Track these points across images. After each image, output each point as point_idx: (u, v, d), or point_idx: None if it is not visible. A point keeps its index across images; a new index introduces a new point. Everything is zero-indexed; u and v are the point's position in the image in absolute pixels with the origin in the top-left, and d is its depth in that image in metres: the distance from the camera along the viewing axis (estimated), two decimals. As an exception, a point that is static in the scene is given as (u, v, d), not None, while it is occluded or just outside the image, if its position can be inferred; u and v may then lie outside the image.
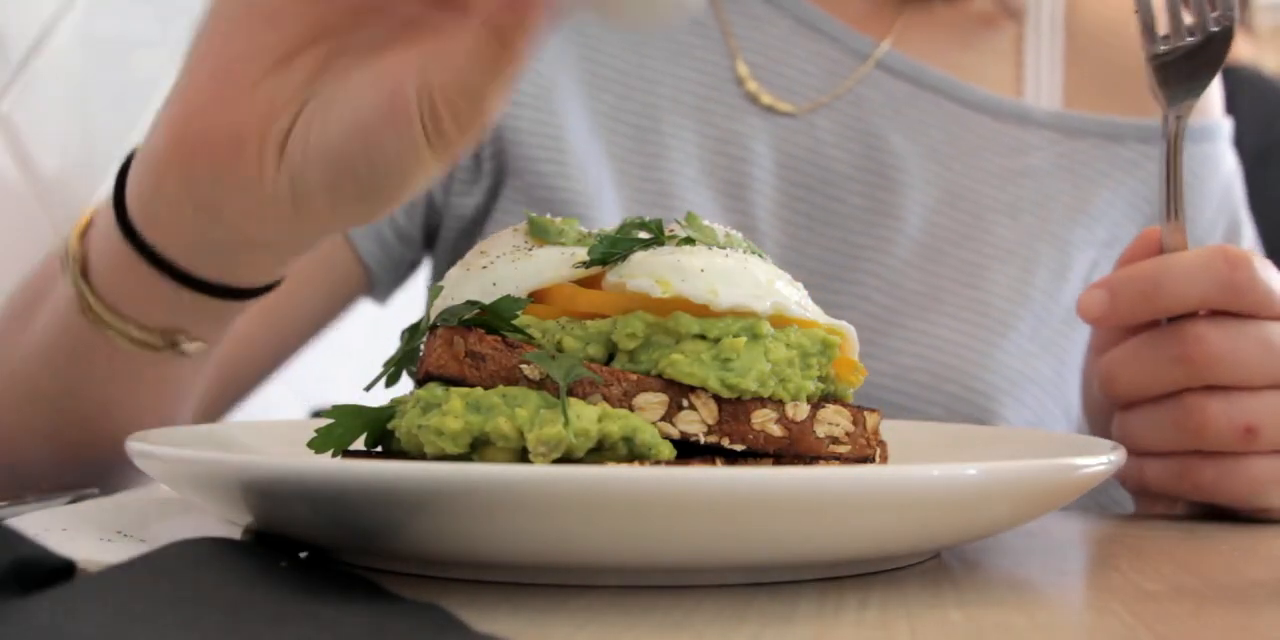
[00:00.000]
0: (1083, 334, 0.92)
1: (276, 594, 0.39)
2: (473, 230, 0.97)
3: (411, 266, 1.00)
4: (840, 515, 0.44)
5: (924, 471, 0.45)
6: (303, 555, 0.47)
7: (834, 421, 0.53)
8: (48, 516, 0.54)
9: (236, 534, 0.49)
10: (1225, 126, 1.04)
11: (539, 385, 0.50)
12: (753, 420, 0.52)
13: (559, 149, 0.93)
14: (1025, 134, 1.00)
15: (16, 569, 0.39)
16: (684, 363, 0.51)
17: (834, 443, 0.53)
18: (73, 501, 0.60)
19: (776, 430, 0.52)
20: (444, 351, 0.51)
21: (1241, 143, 1.08)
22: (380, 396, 0.56)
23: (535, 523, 0.43)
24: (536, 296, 0.54)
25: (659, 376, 0.51)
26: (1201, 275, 0.66)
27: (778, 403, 0.52)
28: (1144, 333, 0.68)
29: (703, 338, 0.52)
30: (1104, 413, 0.76)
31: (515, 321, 0.52)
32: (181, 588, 0.38)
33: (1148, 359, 0.67)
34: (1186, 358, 0.65)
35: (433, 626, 0.37)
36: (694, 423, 0.51)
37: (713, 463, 0.52)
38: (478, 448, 0.49)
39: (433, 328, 0.53)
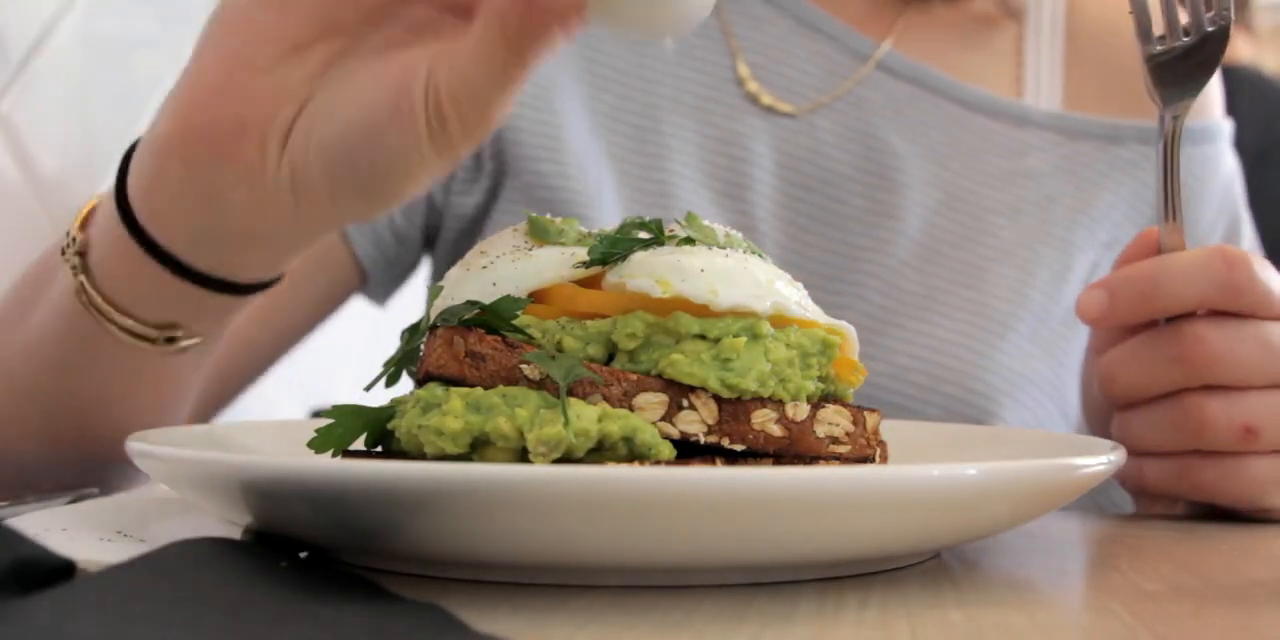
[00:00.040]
0: (1082, 336, 0.92)
1: (276, 594, 0.39)
2: (472, 230, 0.97)
3: (409, 268, 1.00)
4: (840, 515, 0.44)
5: (924, 471, 0.45)
6: (303, 555, 0.47)
7: (834, 421, 0.53)
8: (48, 516, 0.54)
9: (236, 534, 0.49)
10: (1225, 128, 1.04)
11: (539, 385, 0.50)
12: (753, 420, 0.52)
13: (559, 149, 0.93)
14: (1025, 135, 0.99)
15: (16, 569, 0.39)
16: (684, 363, 0.51)
17: (834, 443, 0.53)
18: (73, 501, 0.60)
19: (776, 430, 0.52)
20: (444, 351, 0.51)
21: (1241, 143, 1.08)
22: (380, 396, 0.56)
23: (535, 523, 0.43)
24: (536, 296, 0.54)
25: (659, 376, 0.51)
26: (1200, 275, 0.66)
27: (778, 403, 0.52)
28: (1143, 333, 0.68)
29: (703, 338, 0.52)
30: (1103, 413, 0.76)
31: (515, 321, 0.52)
32: (181, 588, 0.38)
33: (1147, 359, 0.67)
34: (1185, 358, 0.65)
35: (433, 626, 0.37)
36: (694, 423, 0.51)
37: (713, 463, 0.52)
38: (478, 448, 0.49)
39: (433, 328, 0.53)
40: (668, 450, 0.50)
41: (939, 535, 0.49)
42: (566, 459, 0.48)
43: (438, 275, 0.99)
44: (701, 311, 0.52)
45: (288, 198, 0.56)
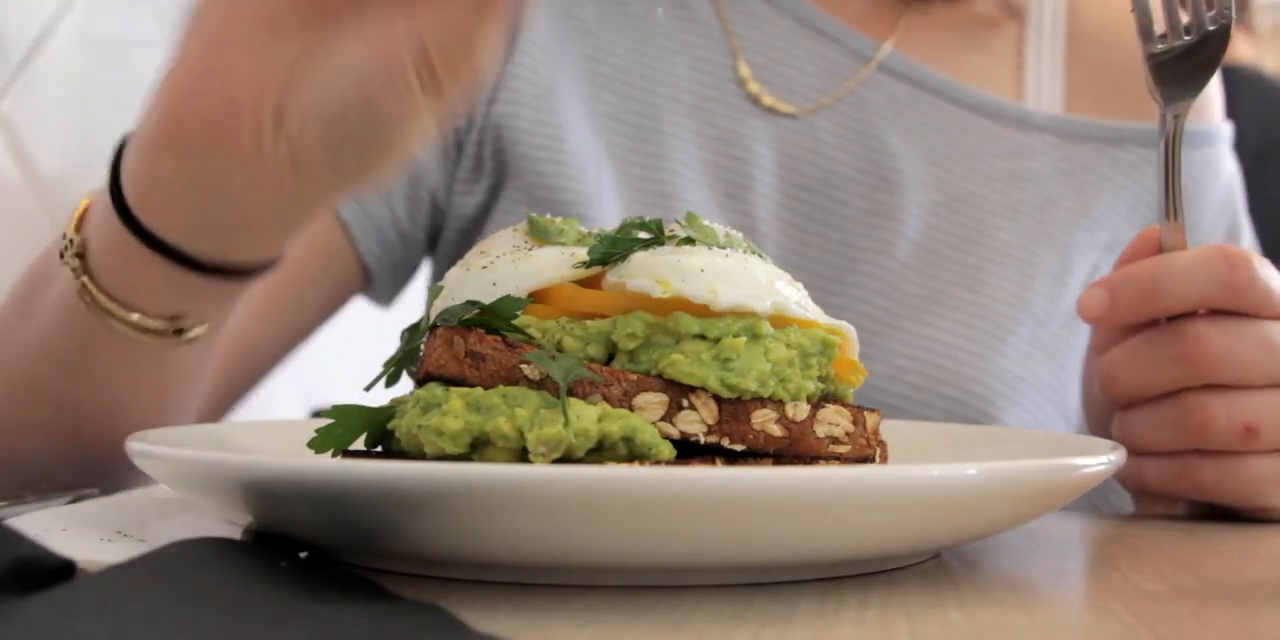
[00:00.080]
0: (1082, 339, 0.92)
1: (276, 594, 0.39)
2: (473, 230, 0.97)
3: (412, 269, 1.00)
4: (840, 515, 0.44)
5: (924, 471, 0.45)
6: (303, 555, 0.47)
7: (834, 421, 0.53)
8: (48, 516, 0.54)
9: (236, 534, 0.49)
10: (1225, 131, 1.04)
11: (539, 385, 0.50)
12: (753, 420, 0.52)
13: (560, 149, 0.93)
14: (1026, 137, 0.99)
15: (16, 569, 0.39)
16: (684, 363, 0.51)
17: (834, 443, 0.53)
18: (73, 501, 0.60)
19: (776, 430, 0.52)
20: (444, 351, 0.51)
21: (1241, 143, 1.08)
22: (380, 396, 0.56)
23: (535, 523, 0.43)
24: (536, 296, 0.54)
25: (659, 376, 0.51)
26: (1201, 274, 0.66)
27: (778, 403, 0.52)
28: (1143, 332, 0.68)
29: (703, 338, 0.52)
30: (1104, 413, 0.76)
31: (515, 321, 0.52)
32: (181, 588, 0.38)
33: (1147, 358, 0.67)
34: (1186, 357, 0.65)
35: (433, 626, 0.37)
36: (694, 423, 0.51)
37: (713, 463, 0.52)
38: (478, 448, 0.49)
39: (433, 328, 0.53)
40: (668, 450, 0.50)
41: (939, 535, 0.49)
42: (566, 459, 0.48)
43: (438, 275, 0.99)
44: (701, 311, 0.52)
45: (288, 175, 0.56)
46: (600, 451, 0.49)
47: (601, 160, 0.94)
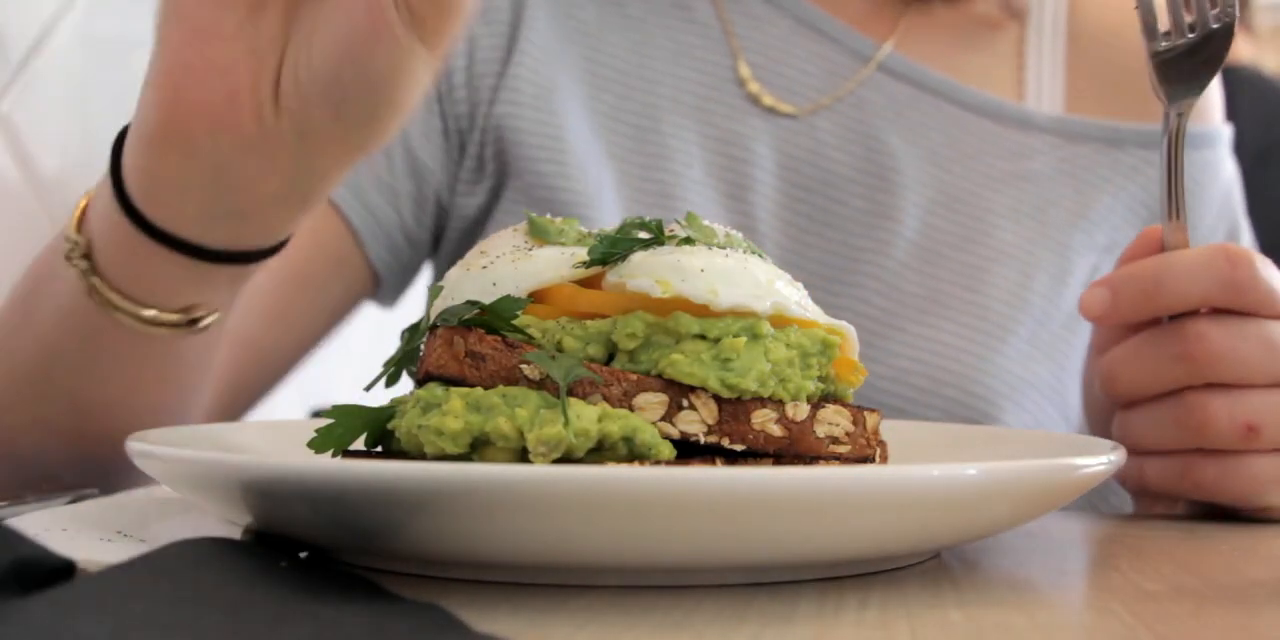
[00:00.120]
0: (1082, 339, 0.92)
1: (276, 594, 0.39)
2: (474, 230, 0.97)
3: (416, 270, 1.00)
4: (840, 515, 0.44)
5: (924, 471, 0.45)
6: (303, 555, 0.47)
7: (834, 421, 0.53)
8: (48, 516, 0.54)
9: (236, 534, 0.49)
10: (1225, 133, 1.04)
11: (539, 385, 0.50)
12: (753, 420, 0.52)
13: (561, 149, 0.93)
14: (1026, 138, 0.99)
15: (16, 569, 0.39)
16: (684, 363, 0.51)
17: (834, 443, 0.53)
18: (73, 501, 0.60)
19: (776, 430, 0.52)
20: (444, 351, 0.51)
21: (1241, 143, 1.08)
22: (380, 396, 0.56)
23: (535, 523, 0.43)
24: (536, 296, 0.54)
25: (659, 376, 0.51)
26: (1203, 273, 0.66)
27: (778, 403, 0.52)
28: (1145, 331, 0.68)
29: (703, 338, 0.52)
30: (1104, 413, 0.76)
31: (515, 321, 0.52)
32: (181, 588, 0.38)
33: (1149, 357, 0.67)
34: (1188, 356, 0.65)
35: (433, 626, 0.37)
36: (694, 423, 0.51)
37: (713, 463, 0.52)
38: (478, 448, 0.49)
39: (433, 328, 0.53)
40: (668, 450, 0.50)
41: (939, 535, 0.49)
42: (566, 459, 0.48)
43: (439, 276, 0.99)
44: (701, 311, 0.52)
45: (296, 150, 0.56)
46: (600, 451, 0.49)
47: (602, 160, 0.94)
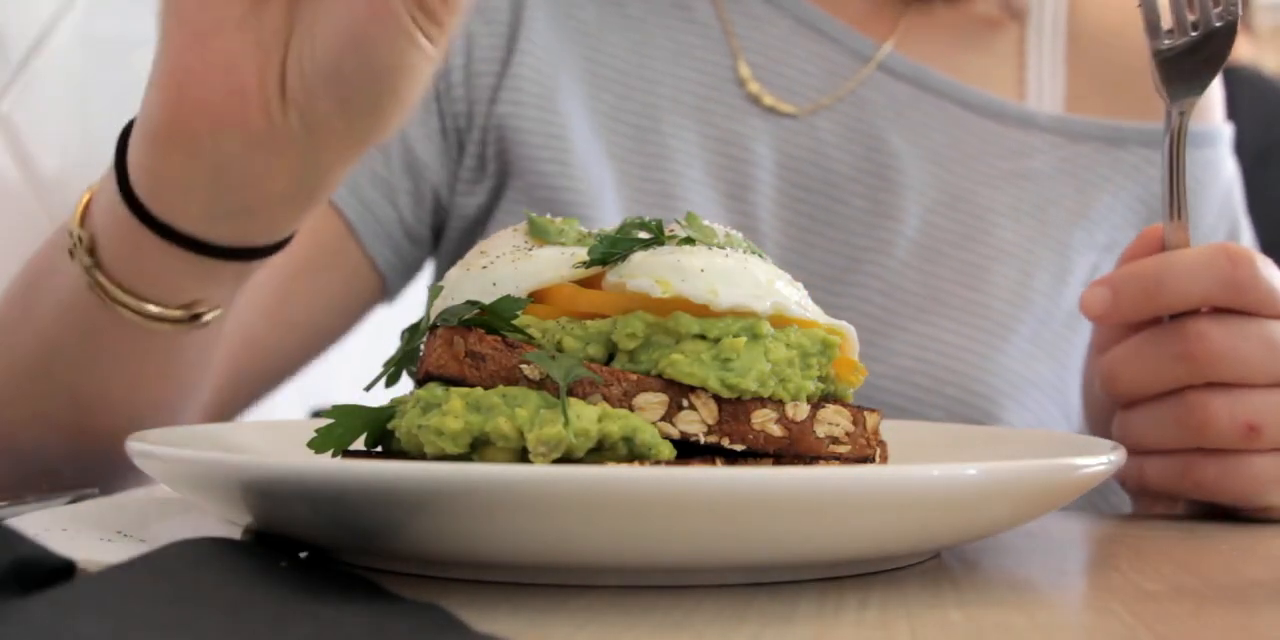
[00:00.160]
0: (1083, 338, 0.92)
1: (276, 594, 0.39)
2: (475, 230, 0.97)
3: (419, 266, 1.00)
4: (840, 515, 0.44)
5: (924, 471, 0.45)
6: (303, 555, 0.47)
7: (834, 421, 0.53)
8: (48, 516, 0.54)
9: (236, 534, 0.49)
10: (1226, 132, 1.04)
11: (539, 385, 0.50)
12: (753, 420, 0.52)
13: (562, 149, 0.93)
14: (1027, 137, 0.99)
15: (16, 569, 0.39)
16: (684, 363, 0.51)
17: (834, 443, 0.53)
18: (73, 501, 0.60)
19: (776, 430, 0.52)
20: (444, 351, 0.51)
21: (1241, 143, 1.08)
22: (380, 396, 0.56)
23: (535, 523, 0.43)
24: (536, 296, 0.54)
25: (659, 376, 0.51)
26: (1204, 273, 0.66)
27: (778, 403, 0.52)
28: (1146, 330, 0.68)
29: (703, 338, 0.52)
30: (1105, 413, 0.76)
31: (515, 321, 0.52)
32: (181, 588, 0.38)
33: (1149, 356, 0.67)
34: (1188, 355, 0.65)
35: (433, 626, 0.37)
36: (694, 423, 0.51)
37: (713, 463, 0.52)
38: (478, 448, 0.49)
39: (433, 328, 0.53)
40: (668, 450, 0.50)
41: (939, 535, 0.49)
42: (566, 459, 0.48)
43: (439, 275, 0.99)
44: (701, 311, 0.52)
45: (302, 144, 0.56)
46: (600, 451, 0.49)
47: (602, 160, 0.94)
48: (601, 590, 0.46)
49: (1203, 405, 0.65)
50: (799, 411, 0.52)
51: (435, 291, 0.57)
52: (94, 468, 0.71)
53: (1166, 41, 0.69)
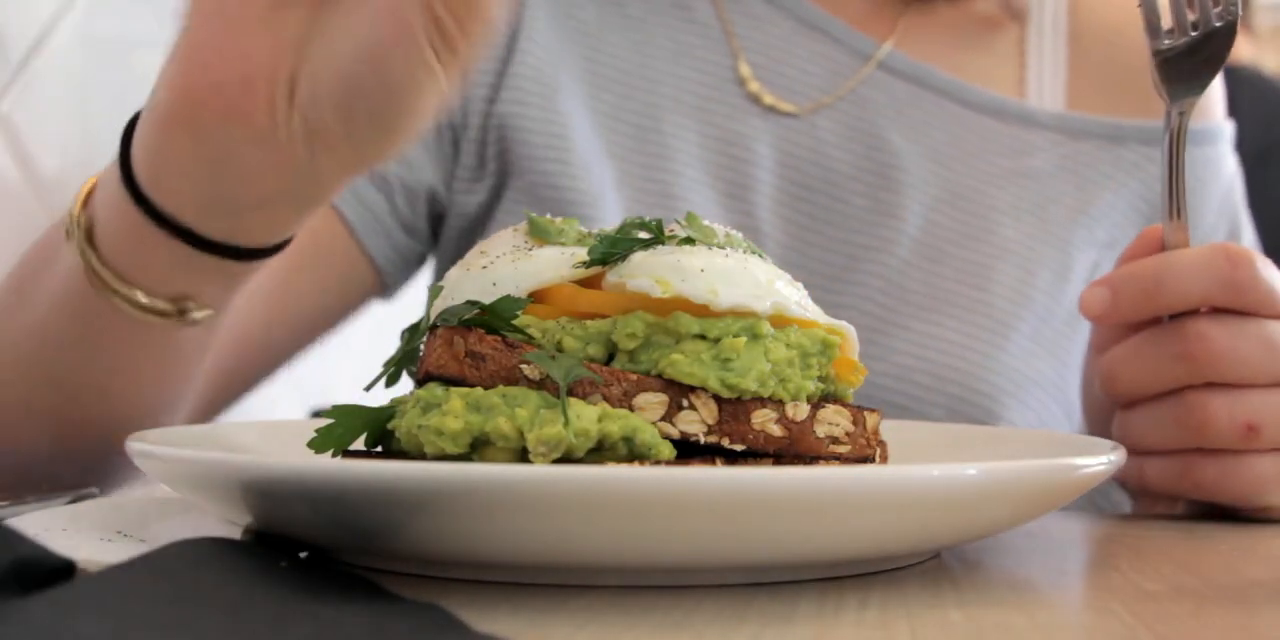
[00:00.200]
0: (1084, 336, 0.92)
1: (276, 594, 0.39)
2: (475, 229, 0.97)
3: (420, 260, 1.00)
4: (840, 515, 0.44)
5: (924, 471, 0.45)
6: (303, 555, 0.47)
7: (834, 421, 0.53)
8: (48, 516, 0.54)
9: (236, 534, 0.49)
10: (1227, 130, 1.04)
11: (539, 385, 0.50)
12: (753, 420, 0.52)
13: (565, 148, 0.93)
14: (1028, 135, 0.99)
15: (16, 569, 0.39)
16: (684, 363, 0.51)
17: (834, 443, 0.53)
18: (73, 501, 0.60)
19: (776, 430, 0.52)
20: (444, 351, 0.51)
21: (1241, 143, 1.08)
22: (380, 396, 0.56)
23: (535, 523, 0.43)
24: (536, 296, 0.54)
25: (659, 376, 0.51)
26: (1203, 273, 0.66)
27: (778, 403, 0.52)
28: (1145, 330, 0.68)
29: (703, 338, 0.52)
30: (1104, 412, 0.76)
31: (515, 321, 0.52)
32: (181, 588, 0.38)
33: (1149, 356, 0.67)
34: (1188, 355, 0.65)
35: (433, 626, 0.37)
36: (694, 423, 0.51)
37: (713, 463, 0.52)
38: (478, 448, 0.49)
39: (433, 328, 0.53)
40: (668, 450, 0.50)
41: (939, 535, 0.49)
42: (566, 459, 0.48)
43: (439, 276, 0.99)
44: (701, 311, 0.52)
45: (303, 151, 0.56)
46: (600, 451, 0.49)
47: (603, 160, 0.94)
48: (601, 590, 0.46)
49: (1202, 405, 0.65)
50: (799, 411, 0.52)
51: (435, 291, 0.57)
52: (87, 464, 0.71)
53: (1166, 41, 0.69)
